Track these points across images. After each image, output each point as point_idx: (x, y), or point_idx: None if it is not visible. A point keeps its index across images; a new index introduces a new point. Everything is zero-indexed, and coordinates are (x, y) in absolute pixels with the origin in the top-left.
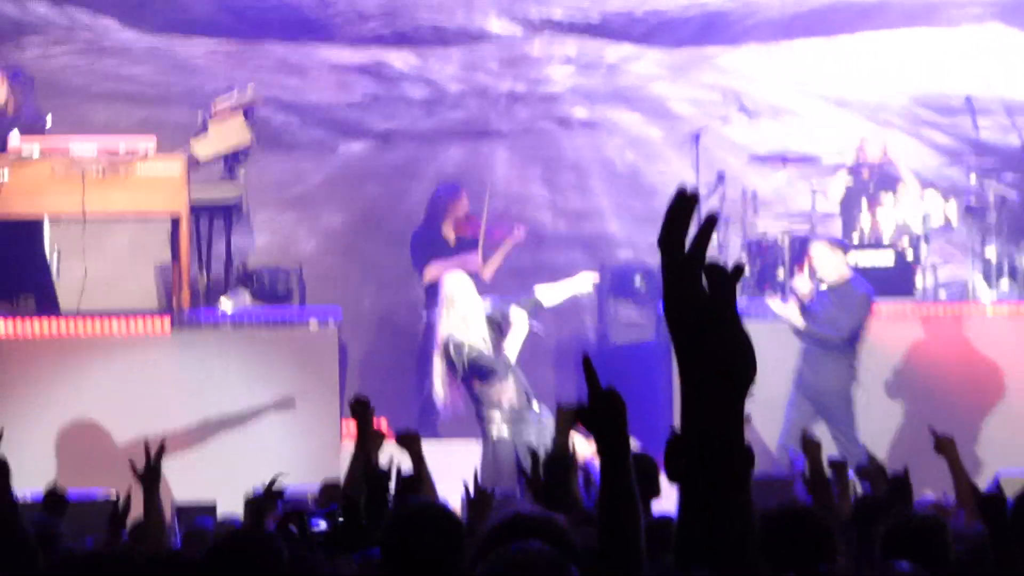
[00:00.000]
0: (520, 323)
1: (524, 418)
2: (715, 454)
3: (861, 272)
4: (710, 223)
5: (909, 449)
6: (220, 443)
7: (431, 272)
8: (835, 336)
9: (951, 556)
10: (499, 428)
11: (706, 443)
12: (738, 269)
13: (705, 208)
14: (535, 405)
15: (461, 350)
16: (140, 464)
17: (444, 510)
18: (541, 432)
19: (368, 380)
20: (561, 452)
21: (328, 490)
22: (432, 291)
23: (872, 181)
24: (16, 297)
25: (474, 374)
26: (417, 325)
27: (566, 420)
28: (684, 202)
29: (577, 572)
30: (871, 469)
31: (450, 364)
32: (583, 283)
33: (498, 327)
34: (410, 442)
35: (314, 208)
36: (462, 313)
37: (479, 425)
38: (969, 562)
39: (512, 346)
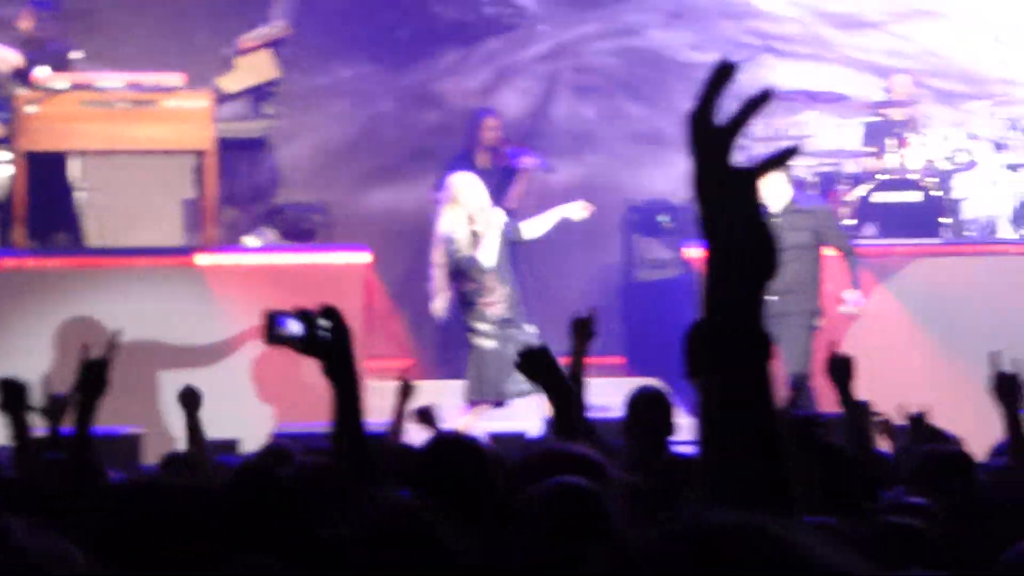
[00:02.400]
0: (492, 227)
1: (510, 334)
2: (737, 338)
3: (889, 208)
4: (757, 101)
5: (937, 389)
6: (243, 379)
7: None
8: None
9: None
10: (483, 339)
11: (728, 325)
12: (787, 152)
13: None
14: (525, 324)
15: (451, 245)
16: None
17: (472, 442)
18: None
19: (396, 316)
20: (577, 369)
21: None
22: None
23: (899, 120)
24: (46, 233)
25: (462, 274)
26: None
27: (582, 334)
28: (722, 73)
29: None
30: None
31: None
32: (571, 210)
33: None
34: (428, 419)
35: (342, 145)
36: (466, 212)
37: (465, 335)
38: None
39: (486, 251)
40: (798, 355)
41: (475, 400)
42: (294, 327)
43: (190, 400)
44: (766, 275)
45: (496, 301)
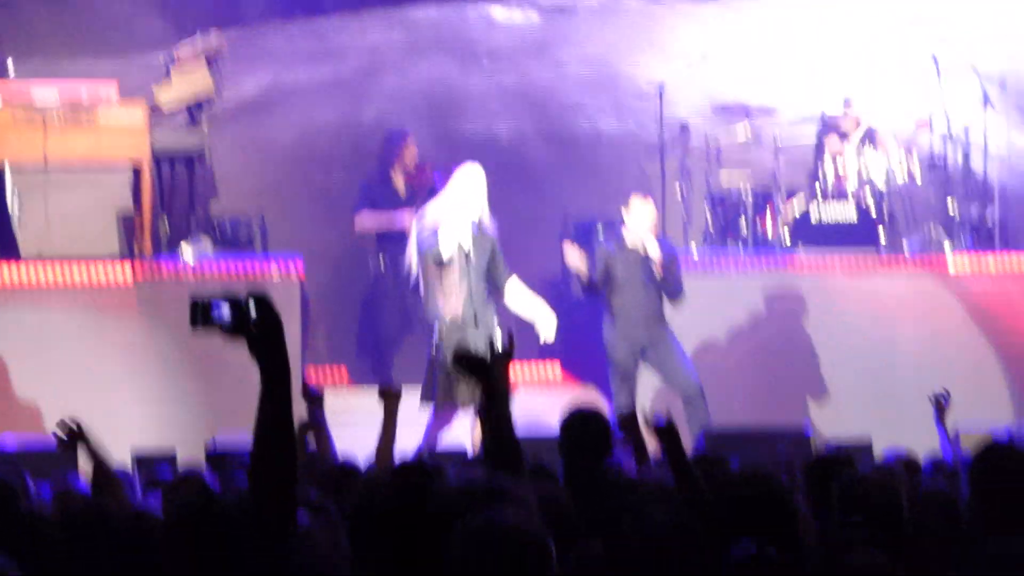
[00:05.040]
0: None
1: (464, 336)
2: None
3: (825, 223)
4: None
5: (865, 404)
6: (180, 392)
7: (360, 223)
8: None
9: (905, 515)
10: (437, 339)
11: None
12: None
13: (670, 160)
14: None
15: (422, 224)
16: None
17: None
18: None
19: (331, 323)
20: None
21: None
22: (381, 234)
23: (836, 135)
24: None
25: (428, 260)
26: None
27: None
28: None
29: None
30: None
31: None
32: (545, 323)
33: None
34: (390, 396)
35: (277, 154)
36: (454, 202)
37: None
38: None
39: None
40: (689, 368)
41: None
42: (224, 312)
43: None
44: None
45: (454, 302)
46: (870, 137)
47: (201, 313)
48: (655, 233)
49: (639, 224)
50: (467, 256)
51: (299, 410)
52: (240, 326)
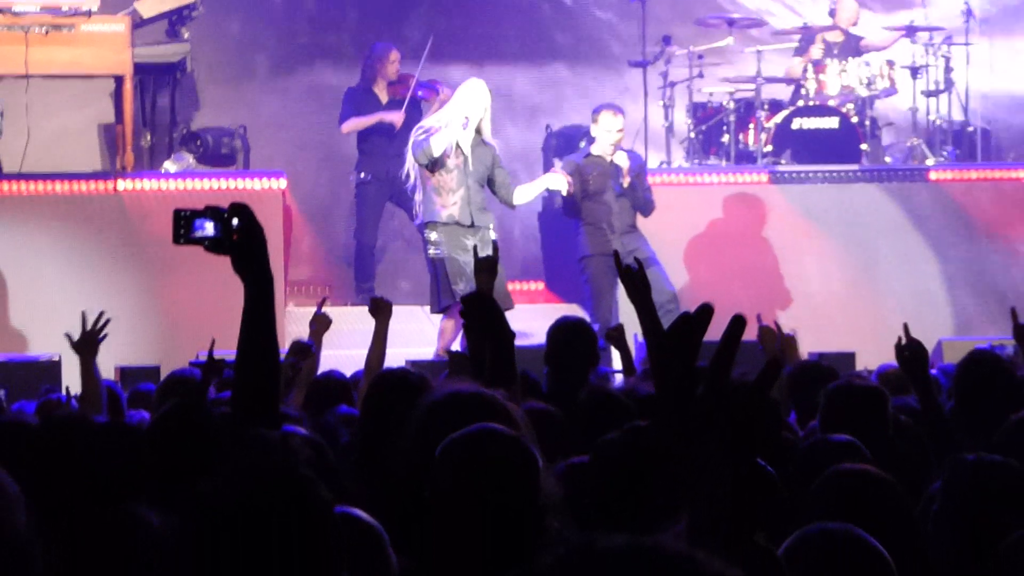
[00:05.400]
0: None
1: (461, 241)
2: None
3: (807, 134)
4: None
5: (847, 314)
6: (165, 304)
7: (348, 126)
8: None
9: (890, 428)
10: (434, 246)
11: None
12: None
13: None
14: (481, 234)
15: (420, 128)
16: (77, 334)
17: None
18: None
19: (314, 240)
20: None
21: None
22: (363, 147)
23: (837, 46)
24: None
25: (423, 160)
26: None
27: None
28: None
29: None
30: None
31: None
32: (556, 181)
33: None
34: (381, 308)
35: (260, 69)
36: (454, 111)
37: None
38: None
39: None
40: (663, 276)
41: (442, 307)
42: (208, 227)
43: (84, 347)
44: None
45: (453, 202)
46: (853, 47)
47: (184, 227)
48: (622, 146)
49: (606, 136)
50: (465, 160)
51: (300, 330)
52: (223, 240)
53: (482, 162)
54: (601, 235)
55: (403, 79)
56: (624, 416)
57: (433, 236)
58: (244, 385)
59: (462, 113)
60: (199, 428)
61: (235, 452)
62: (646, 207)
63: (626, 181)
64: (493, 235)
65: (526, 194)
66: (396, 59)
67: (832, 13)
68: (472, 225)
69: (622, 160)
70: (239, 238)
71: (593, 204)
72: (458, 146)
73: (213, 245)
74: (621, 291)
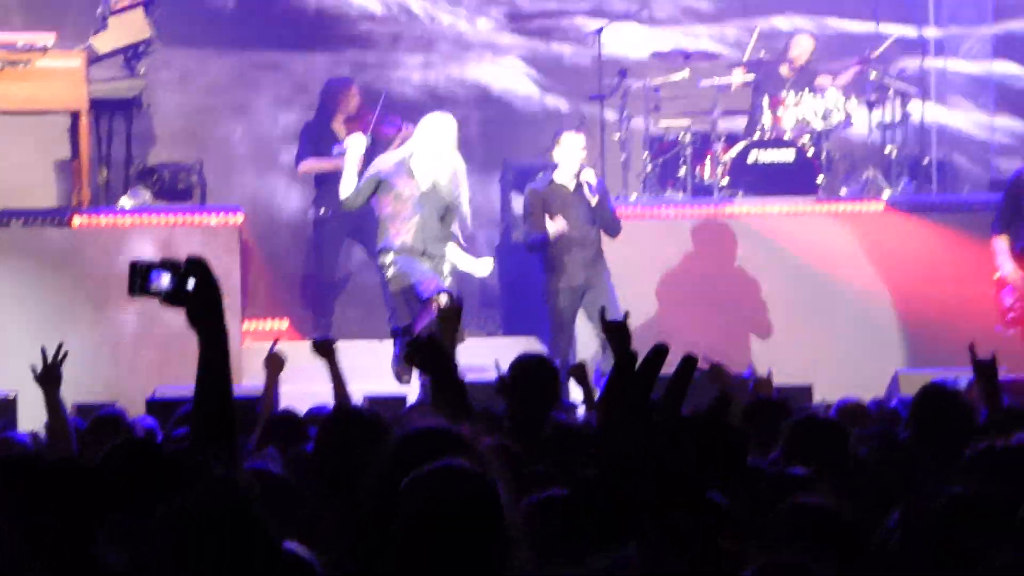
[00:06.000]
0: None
1: (412, 266)
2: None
3: (763, 167)
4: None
5: (805, 346)
6: (120, 340)
7: (304, 167)
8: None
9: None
10: (388, 268)
11: None
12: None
13: (608, 104)
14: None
15: (383, 158)
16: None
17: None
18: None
19: (272, 275)
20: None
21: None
22: (320, 182)
23: (790, 79)
24: None
25: (383, 189)
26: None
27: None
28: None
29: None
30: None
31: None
32: (481, 267)
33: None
34: (325, 350)
35: (216, 103)
36: (417, 143)
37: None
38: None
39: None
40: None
41: (401, 327)
42: (164, 279)
43: (47, 379)
44: None
45: (408, 229)
46: (808, 80)
47: (140, 279)
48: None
49: (570, 157)
50: (424, 192)
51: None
52: (178, 294)
53: (440, 195)
54: (564, 266)
55: (361, 115)
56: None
57: (387, 260)
58: (201, 430)
59: (428, 147)
60: (152, 463)
61: (185, 490)
62: (614, 225)
63: (594, 200)
64: (448, 266)
65: (457, 257)
66: (356, 93)
67: (786, 49)
68: (424, 253)
69: (590, 176)
70: (194, 293)
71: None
72: (413, 175)
73: (168, 298)
74: (579, 324)
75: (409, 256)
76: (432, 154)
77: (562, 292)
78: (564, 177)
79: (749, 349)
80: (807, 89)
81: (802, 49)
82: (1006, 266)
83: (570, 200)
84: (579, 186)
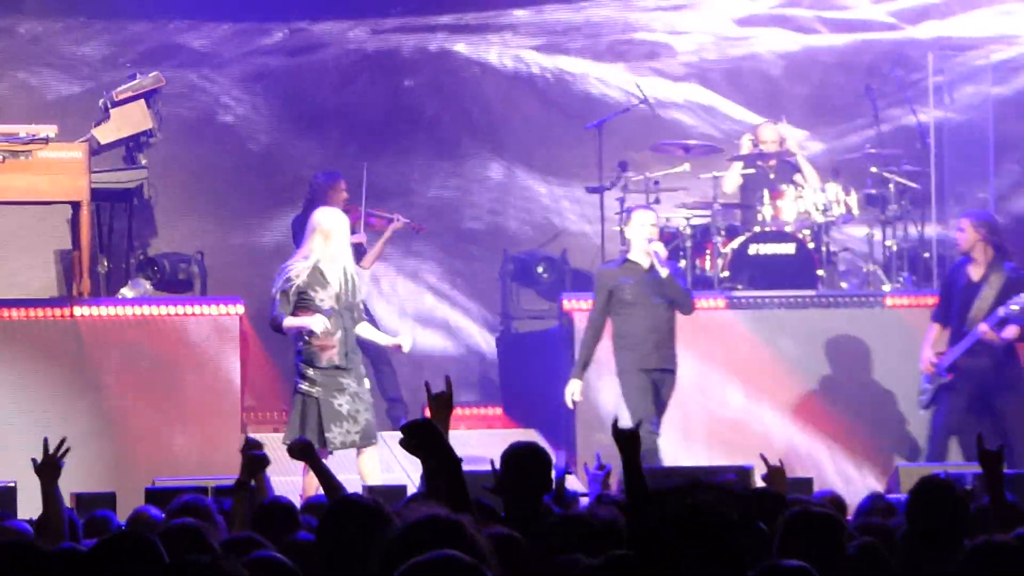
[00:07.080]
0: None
1: (339, 383)
2: None
3: (764, 260)
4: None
5: (805, 440)
6: (120, 431)
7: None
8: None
9: (845, 553)
10: (308, 384)
11: None
12: None
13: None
14: (359, 376)
15: (286, 273)
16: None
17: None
18: (354, 402)
19: (270, 369)
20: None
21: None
22: None
23: (772, 171)
24: None
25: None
26: None
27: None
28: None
29: None
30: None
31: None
32: (402, 340)
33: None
34: (302, 452)
35: (217, 194)
36: (327, 246)
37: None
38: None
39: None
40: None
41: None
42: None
43: (47, 471)
44: None
45: (331, 347)
46: (788, 172)
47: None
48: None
49: (641, 232)
50: (338, 297)
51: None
52: None
53: (352, 297)
54: (641, 351)
55: (350, 210)
56: (590, 540)
57: (310, 374)
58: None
59: (335, 249)
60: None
61: None
62: (687, 301)
63: (664, 271)
64: (363, 370)
65: (370, 333)
66: (344, 187)
67: (754, 142)
68: (347, 368)
69: (660, 248)
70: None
71: (631, 315)
72: (327, 281)
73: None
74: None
75: (334, 375)
76: (337, 254)
77: (633, 375)
78: (637, 254)
79: (749, 441)
80: (804, 181)
81: (767, 136)
82: (925, 351)
83: (644, 281)
84: (652, 266)
